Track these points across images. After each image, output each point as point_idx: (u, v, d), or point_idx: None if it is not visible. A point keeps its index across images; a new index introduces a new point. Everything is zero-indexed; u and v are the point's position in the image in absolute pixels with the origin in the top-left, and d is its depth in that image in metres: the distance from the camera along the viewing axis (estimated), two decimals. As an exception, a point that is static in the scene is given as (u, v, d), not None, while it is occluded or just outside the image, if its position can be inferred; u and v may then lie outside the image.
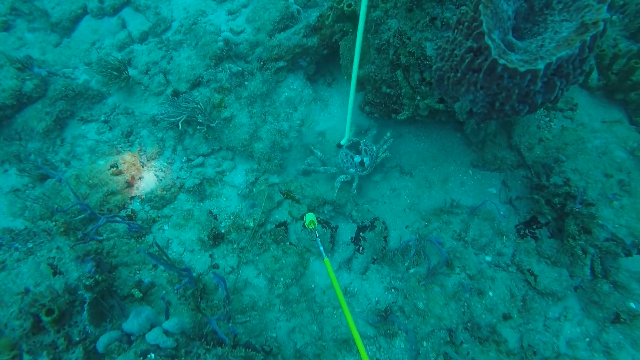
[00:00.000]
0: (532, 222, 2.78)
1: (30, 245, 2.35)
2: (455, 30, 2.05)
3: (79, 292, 2.06)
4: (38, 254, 2.29)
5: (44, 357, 1.82)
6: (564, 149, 2.81)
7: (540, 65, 1.84)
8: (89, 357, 1.89)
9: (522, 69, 1.85)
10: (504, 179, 2.98)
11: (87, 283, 2.11)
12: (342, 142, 2.98)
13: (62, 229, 2.54)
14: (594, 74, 3.11)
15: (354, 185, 2.90)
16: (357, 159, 2.85)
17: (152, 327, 2.02)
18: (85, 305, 1.95)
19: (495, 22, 1.94)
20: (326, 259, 2.28)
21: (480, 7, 1.90)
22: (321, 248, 2.41)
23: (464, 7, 2.11)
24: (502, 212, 2.87)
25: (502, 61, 1.87)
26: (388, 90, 2.76)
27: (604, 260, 2.54)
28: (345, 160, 2.89)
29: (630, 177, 2.58)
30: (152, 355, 1.91)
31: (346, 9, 2.68)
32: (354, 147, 2.99)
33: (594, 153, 2.73)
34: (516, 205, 2.86)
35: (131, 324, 1.99)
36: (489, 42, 1.84)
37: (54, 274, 2.16)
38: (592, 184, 2.55)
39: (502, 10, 1.94)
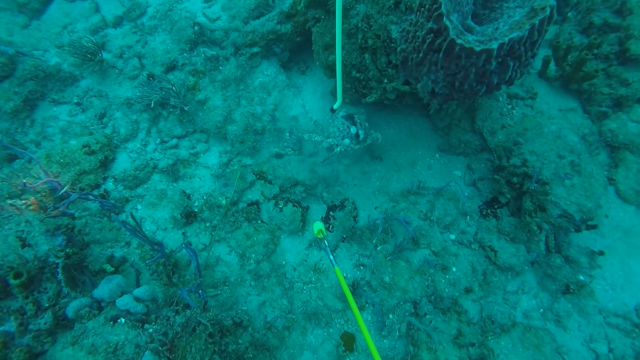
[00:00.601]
0: (493, 202, 2.97)
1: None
2: (418, 13, 2.20)
3: (50, 260, 2.09)
4: (5, 227, 2.31)
5: (11, 322, 1.85)
6: (524, 133, 3.01)
7: (494, 45, 2.01)
8: (58, 323, 1.93)
9: (477, 49, 2.01)
10: (469, 163, 3.16)
11: (59, 255, 2.14)
12: (334, 107, 2.88)
13: (31, 207, 2.56)
14: (552, 66, 3.33)
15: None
16: (354, 130, 2.80)
17: (122, 294, 2.07)
18: (59, 269, 1.99)
19: (454, 6, 2.10)
20: (337, 268, 2.19)
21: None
22: (331, 257, 2.30)
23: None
24: (466, 194, 3.05)
25: (459, 41, 2.03)
26: (357, 75, 2.89)
27: (557, 235, 2.74)
28: (341, 129, 2.85)
29: (580, 159, 2.80)
30: (123, 319, 1.97)
31: (317, -6, 2.81)
32: (350, 118, 2.93)
33: (549, 137, 2.93)
34: (479, 186, 3.04)
35: (102, 290, 2.05)
36: (448, 23, 1.99)
37: (23, 246, 2.18)
38: (547, 164, 2.75)
39: (460, -6, 2.09)
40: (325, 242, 2.48)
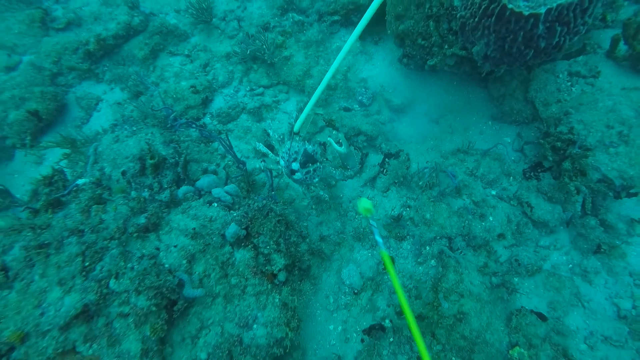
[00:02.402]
0: (537, 166, 3.27)
1: (134, 128, 3.24)
2: (479, -18, 2.63)
3: (167, 159, 2.88)
4: (139, 135, 3.16)
5: (145, 192, 2.66)
6: (578, 108, 3.27)
7: (542, 10, 2.40)
8: (172, 200, 2.71)
9: (526, 13, 2.42)
10: (519, 131, 3.48)
11: (173, 156, 2.94)
12: (294, 129, 2.88)
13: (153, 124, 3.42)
14: (621, 45, 3.50)
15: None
16: (295, 165, 2.71)
17: (216, 187, 2.80)
18: (181, 159, 2.78)
19: (509, -25, 2.51)
20: (384, 252, 2.01)
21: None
22: (378, 238, 2.11)
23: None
24: (512, 158, 3.39)
25: (510, 6, 2.44)
26: (423, 42, 3.36)
27: (594, 199, 2.99)
28: (291, 154, 2.78)
29: (630, 130, 3.01)
30: (215, 204, 2.69)
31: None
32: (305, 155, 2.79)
33: (602, 110, 3.16)
34: (526, 151, 3.36)
35: (202, 181, 2.79)
36: (500, -12, 2.42)
37: (149, 149, 3.00)
38: (593, 132, 3.01)
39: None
40: (373, 222, 2.24)
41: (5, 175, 3.78)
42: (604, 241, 2.90)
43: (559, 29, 2.52)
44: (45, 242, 2.23)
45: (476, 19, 2.66)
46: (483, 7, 2.57)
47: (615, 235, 2.92)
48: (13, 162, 3.84)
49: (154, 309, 2.11)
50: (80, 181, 2.91)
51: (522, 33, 2.53)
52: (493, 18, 2.55)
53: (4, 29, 4.16)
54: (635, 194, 2.92)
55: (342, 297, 2.89)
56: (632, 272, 2.81)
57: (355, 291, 2.90)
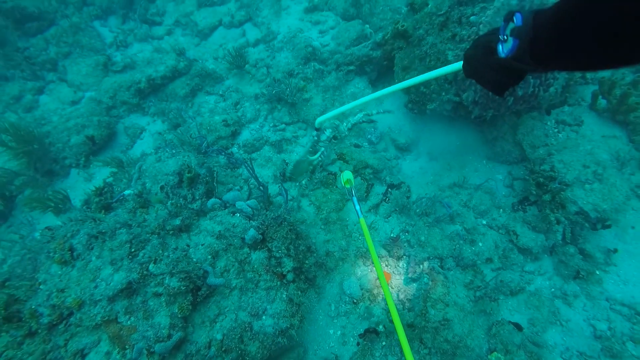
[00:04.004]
0: (524, 200, 3.79)
1: (174, 151, 3.99)
2: (467, 42, 3.37)
3: (201, 176, 3.58)
4: (178, 157, 3.90)
5: (180, 200, 3.33)
6: (561, 150, 3.84)
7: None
8: (202, 209, 3.36)
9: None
10: (510, 170, 4.04)
11: (206, 175, 3.64)
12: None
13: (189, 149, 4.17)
14: (600, 99, 4.11)
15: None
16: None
17: (239, 201, 3.45)
18: (215, 174, 3.47)
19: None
20: (362, 219, 2.42)
21: (481, 26, 3.23)
22: (357, 207, 2.52)
23: (474, 27, 3.43)
24: (503, 193, 3.93)
25: (487, 62, 3.14)
26: (424, 89, 4.08)
27: (573, 229, 3.46)
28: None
29: (604, 171, 3.54)
30: (238, 215, 3.33)
31: (400, 28, 4.13)
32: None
33: (582, 152, 3.72)
34: (515, 187, 3.90)
35: (228, 195, 3.45)
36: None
37: (187, 165, 3.73)
38: (571, 170, 3.56)
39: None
40: (353, 190, 2.73)
41: (58, 193, 4.56)
42: (582, 268, 3.33)
43: (532, 81, 3.18)
44: (103, 230, 2.89)
45: (462, 72, 3.36)
46: (467, 62, 3.27)
47: (593, 263, 3.35)
48: (68, 179, 4.64)
49: (183, 289, 2.69)
50: (126, 192, 3.62)
51: (498, 83, 3.19)
52: (475, 71, 3.23)
53: (76, 72, 5.17)
54: (609, 226, 3.39)
55: (343, 305, 3.38)
56: (608, 297, 3.21)
57: (355, 301, 3.39)
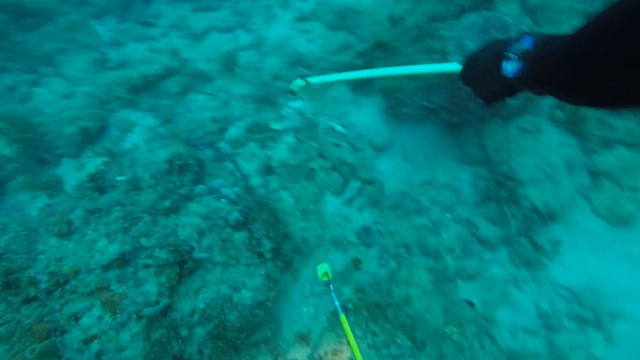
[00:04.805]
0: (486, 197, 4.27)
1: (165, 142, 4.37)
2: (438, 53, 3.86)
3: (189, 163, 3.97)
4: (168, 148, 4.28)
5: (170, 185, 3.70)
6: (520, 153, 4.34)
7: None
8: (190, 194, 3.74)
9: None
10: (475, 171, 4.53)
11: (192, 167, 4.03)
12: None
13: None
14: (557, 110, 4.64)
15: None
16: None
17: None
18: (203, 164, 3.85)
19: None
20: (342, 315, 2.40)
21: (450, 41, 3.71)
22: (336, 303, 2.49)
23: (444, 41, 3.93)
24: (468, 191, 4.40)
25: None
26: (400, 95, 4.56)
27: (527, 223, 3.94)
28: None
29: (556, 173, 4.04)
30: (223, 200, 3.71)
31: (380, 40, 4.63)
32: None
33: (537, 156, 4.23)
34: (478, 185, 4.38)
35: (214, 183, 3.84)
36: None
37: (178, 153, 4.10)
38: (526, 171, 4.05)
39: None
40: (331, 286, 2.76)
41: (51, 178, 4.88)
42: (532, 257, 3.80)
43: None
44: (99, 207, 3.25)
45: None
46: (434, 70, 3.76)
47: (542, 253, 3.82)
48: (59, 167, 4.96)
49: (171, 260, 3.06)
50: (119, 177, 3.98)
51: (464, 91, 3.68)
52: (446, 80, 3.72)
53: (71, 66, 5.53)
54: (556, 221, 3.88)
55: (316, 286, 3.77)
56: (552, 282, 3.68)
57: (327, 283, 3.78)
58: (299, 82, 3.46)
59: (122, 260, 3.08)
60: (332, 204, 4.40)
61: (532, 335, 3.40)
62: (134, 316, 2.96)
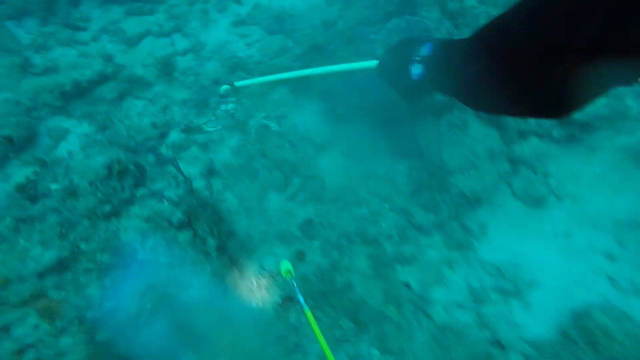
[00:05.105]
0: (420, 187, 4.62)
1: (102, 149, 4.33)
2: (368, 56, 4.14)
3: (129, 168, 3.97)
4: (107, 154, 4.24)
5: (110, 190, 3.69)
6: (448, 145, 4.74)
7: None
8: (132, 198, 3.75)
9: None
10: (410, 163, 4.88)
11: (133, 172, 4.03)
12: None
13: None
14: (479, 105, 5.13)
15: None
16: None
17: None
18: (144, 169, 3.86)
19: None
20: (307, 310, 2.61)
21: (377, 43, 4.01)
22: (301, 300, 2.66)
23: (372, 44, 4.23)
24: (404, 182, 4.73)
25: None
26: (336, 97, 4.82)
27: (456, 208, 4.32)
28: None
29: (480, 162, 4.47)
30: (166, 202, 3.76)
31: (314, 42, 4.87)
32: None
33: (464, 147, 4.64)
34: (413, 175, 4.72)
35: (156, 186, 3.88)
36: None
37: (117, 159, 4.08)
38: (455, 161, 4.44)
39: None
40: (294, 282, 2.90)
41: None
42: (463, 239, 4.17)
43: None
44: (31, 215, 3.19)
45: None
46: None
47: (471, 235, 4.21)
48: (-17, 179, 4.73)
49: (114, 264, 3.08)
50: (53, 186, 3.91)
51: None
52: (370, 77, 4.01)
53: (-9, 71, 5.28)
54: (482, 205, 4.29)
55: (263, 280, 3.91)
56: (481, 260, 4.06)
57: (273, 275, 3.93)
58: (226, 87, 3.67)
59: (61, 266, 3.05)
60: (275, 200, 4.56)
61: (463, 310, 3.75)
62: (76, 321, 2.95)
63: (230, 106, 4.81)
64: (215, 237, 3.60)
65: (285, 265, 3.10)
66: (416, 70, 1.24)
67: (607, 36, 0.51)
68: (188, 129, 4.78)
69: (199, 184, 4.54)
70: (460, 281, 3.95)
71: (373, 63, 1.96)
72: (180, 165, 4.68)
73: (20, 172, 4.66)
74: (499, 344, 3.56)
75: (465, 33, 4.84)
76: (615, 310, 3.46)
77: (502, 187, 4.49)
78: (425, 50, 1.17)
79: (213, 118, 4.58)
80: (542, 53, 0.69)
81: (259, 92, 5.33)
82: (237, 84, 3.62)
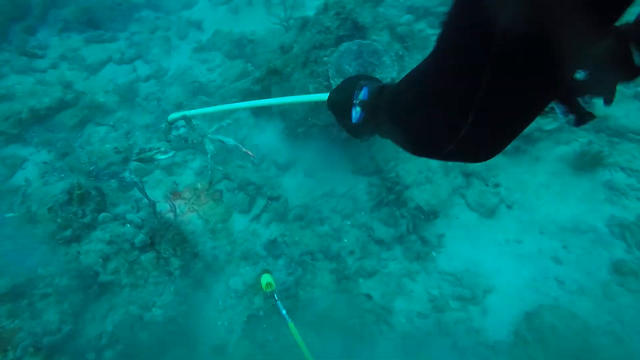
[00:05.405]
0: (380, 203, 4.85)
1: (62, 175, 4.33)
2: (322, 76, 4.40)
3: (91, 194, 4.00)
4: (67, 180, 4.25)
5: (70, 215, 3.71)
6: (405, 161, 5.02)
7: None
8: (93, 222, 3.77)
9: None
10: (369, 180, 5.11)
11: (94, 197, 4.06)
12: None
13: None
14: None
15: None
16: None
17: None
18: (105, 193, 3.90)
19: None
20: (290, 323, 2.83)
21: (329, 65, 4.27)
22: (283, 312, 2.86)
23: (326, 66, 4.50)
24: (365, 199, 4.95)
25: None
26: (296, 117, 5.04)
27: (414, 221, 4.55)
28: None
29: (434, 175, 4.75)
30: (128, 225, 3.80)
31: (272, 66, 5.11)
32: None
33: (419, 162, 4.92)
34: (372, 192, 4.95)
35: (118, 209, 3.92)
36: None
37: (77, 184, 4.10)
38: (410, 176, 4.70)
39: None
40: (275, 295, 3.18)
41: None
42: (422, 250, 4.39)
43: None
44: (-13, 242, 3.17)
45: (319, 99, 4.37)
46: (321, 91, 4.28)
47: (429, 246, 4.43)
48: None
49: (73, 286, 3.09)
50: (7, 215, 3.88)
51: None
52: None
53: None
54: (438, 217, 4.54)
55: (229, 300, 3.97)
56: (439, 270, 4.27)
57: (239, 295, 4.00)
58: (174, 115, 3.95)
59: (14, 294, 3.03)
60: (240, 221, 4.66)
61: (424, 318, 3.92)
62: (31, 349, 2.92)
63: (181, 130, 4.93)
64: (178, 258, 3.65)
65: (266, 279, 3.25)
66: (356, 114, 1.30)
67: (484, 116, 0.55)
68: (140, 160, 4.84)
69: (163, 206, 4.59)
70: (420, 291, 4.14)
71: (325, 96, 2.04)
72: (145, 188, 4.73)
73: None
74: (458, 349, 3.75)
75: (415, 54, 5.20)
76: (562, 309, 3.73)
77: (456, 199, 4.76)
78: (362, 94, 1.24)
79: (162, 149, 4.68)
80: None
81: (220, 115, 5.48)
82: (170, 118, 3.93)
